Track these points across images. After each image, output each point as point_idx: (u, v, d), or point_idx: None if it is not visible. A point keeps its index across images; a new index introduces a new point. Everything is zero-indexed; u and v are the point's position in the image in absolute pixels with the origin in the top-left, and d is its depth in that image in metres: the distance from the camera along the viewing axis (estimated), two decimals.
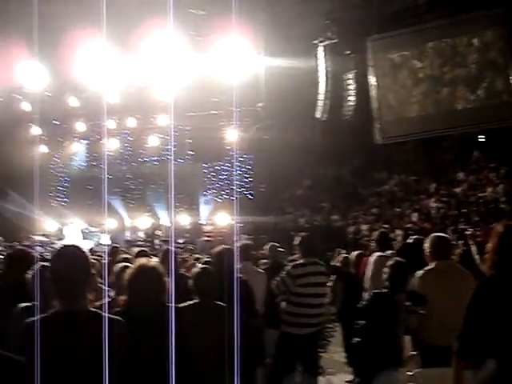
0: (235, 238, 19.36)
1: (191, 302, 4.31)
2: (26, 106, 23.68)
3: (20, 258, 4.60)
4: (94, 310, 2.91)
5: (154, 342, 3.30)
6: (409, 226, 19.27)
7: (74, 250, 2.98)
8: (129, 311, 3.38)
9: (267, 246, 7.98)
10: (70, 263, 2.89)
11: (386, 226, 19.81)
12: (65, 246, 3.09)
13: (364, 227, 20.69)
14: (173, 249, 6.79)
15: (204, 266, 4.85)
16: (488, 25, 19.85)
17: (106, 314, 2.84)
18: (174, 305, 3.44)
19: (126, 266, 4.45)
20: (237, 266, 5.14)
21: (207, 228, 23.43)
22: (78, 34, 18.89)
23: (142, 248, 7.99)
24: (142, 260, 3.80)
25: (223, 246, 5.73)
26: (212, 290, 4.39)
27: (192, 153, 24.78)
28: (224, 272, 4.72)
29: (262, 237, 21.30)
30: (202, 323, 4.07)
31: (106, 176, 22.61)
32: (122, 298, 3.65)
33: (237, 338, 3.74)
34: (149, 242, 21.74)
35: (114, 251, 8.39)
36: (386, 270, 5.15)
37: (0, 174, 22.87)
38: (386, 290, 5.09)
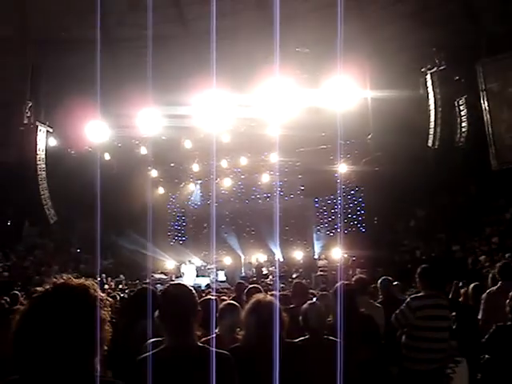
0: (349, 272, 19.28)
1: (301, 338, 4.38)
2: (143, 150, 24.97)
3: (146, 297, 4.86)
4: (202, 345, 3.02)
5: (271, 378, 3.38)
6: None
7: (180, 287, 3.15)
8: (245, 346, 3.49)
9: (380, 281, 7.91)
10: (178, 300, 3.04)
11: (506, 255, 19.01)
12: (171, 284, 3.27)
13: (483, 257, 19.88)
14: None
15: (312, 301, 4.91)
16: None
17: (214, 349, 2.92)
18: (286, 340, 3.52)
19: (230, 304, 4.56)
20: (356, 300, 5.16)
21: (321, 262, 23.39)
22: (191, 79, 19.86)
23: (255, 285, 8.12)
24: (259, 295, 3.92)
25: (341, 282, 5.77)
26: (321, 325, 4.44)
27: (303, 188, 24.98)
28: (342, 307, 4.76)
29: (377, 270, 21.03)
30: (311, 359, 4.12)
31: (214, 214, 23.24)
32: (241, 333, 3.77)
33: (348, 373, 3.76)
34: (263, 277, 22.02)
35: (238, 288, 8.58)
36: (508, 302, 5.00)
37: (123, 215, 24.09)
38: (510, 323, 4.94)
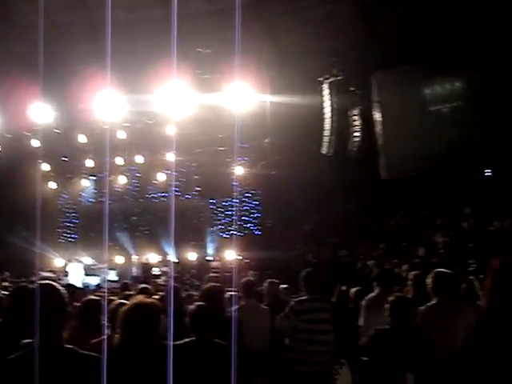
0: (242, 274, 19.38)
1: (187, 340, 4.32)
2: (35, 143, 23.95)
3: (24, 295, 4.64)
4: (69, 346, 2.93)
5: (148, 380, 3.31)
6: (416, 260, 19.19)
7: (46, 286, 3.04)
8: (122, 348, 3.39)
9: (266, 283, 7.96)
10: (43, 300, 2.94)
11: (393, 261, 19.81)
12: (40, 284, 3.15)
13: (371, 262, 20.61)
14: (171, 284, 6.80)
15: (201, 303, 4.86)
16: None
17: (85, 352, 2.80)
18: (171, 342, 3.45)
19: (122, 304, 4.46)
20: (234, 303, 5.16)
21: (214, 264, 23.39)
22: (86, 73, 19.24)
23: (145, 285, 7.98)
24: (139, 297, 3.83)
25: (213, 283, 5.77)
26: (209, 327, 4.39)
27: (199, 189, 24.93)
28: (217, 309, 4.73)
29: (268, 273, 21.28)
30: (198, 361, 4.08)
31: (107, 211, 22.73)
32: (117, 335, 3.66)
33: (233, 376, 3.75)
34: (155, 277, 21.72)
35: (122, 288, 8.41)
36: (387, 306, 5.15)
37: (9, 210, 23.02)
38: (388, 327, 5.08)
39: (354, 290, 8.33)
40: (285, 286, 9.69)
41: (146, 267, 23.47)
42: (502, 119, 20.08)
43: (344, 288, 9.66)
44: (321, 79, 21.60)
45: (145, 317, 3.52)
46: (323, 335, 6.32)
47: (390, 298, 5.18)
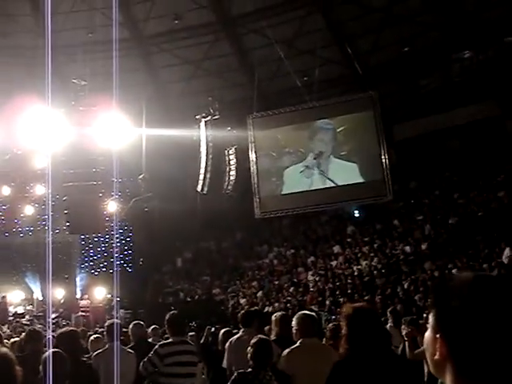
0: (112, 314, 18.78)
1: None
2: None
3: None
4: None
5: None
6: (288, 298, 19.55)
7: None
8: None
9: (131, 325, 7.71)
10: None
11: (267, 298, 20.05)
12: None
13: (243, 300, 20.74)
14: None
15: (56, 349, 4.61)
16: (360, 107, 21.19)
17: None
18: None
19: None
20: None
21: (83, 302, 22.52)
22: None
23: None
24: None
25: (68, 328, 5.53)
26: (65, 376, 4.17)
27: (68, 224, 24.02)
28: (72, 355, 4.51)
29: (141, 312, 20.81)
30: None
31: None
32: None
33: None
34: (18, 316, 20.59)
35: None
36: (249, 348, 5.13)
37: None
38: (250, 370, 5.06)
39: (222, 331, 8.27)
40: (154, 326, 9.46)
41: (5, 305, 22.09)
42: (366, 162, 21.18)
43: (213, 329, 9.59)
44: (198, 117, 21.75)
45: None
46: (187, 378, 6.21)
47: (252, 341, 5.17)
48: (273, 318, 6.42)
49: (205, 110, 21.86)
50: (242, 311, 7.39)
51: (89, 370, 5.30)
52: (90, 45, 21.71)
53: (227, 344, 6.44)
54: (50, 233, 17.97)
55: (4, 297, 21.56)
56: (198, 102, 22.45)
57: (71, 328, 5.42)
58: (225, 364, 6.34)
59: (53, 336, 5.57)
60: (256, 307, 15.93)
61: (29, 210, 23.53)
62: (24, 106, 17.79)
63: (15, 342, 6.34)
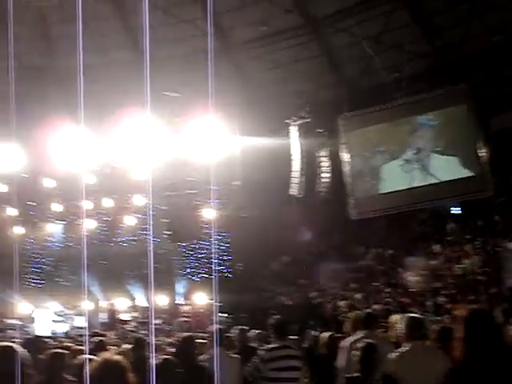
0: (213, 319, 19.13)
1: None
2: (1, 188, 23.59)
3: None
4: None
5: None
6: (388, 300, 19.19)
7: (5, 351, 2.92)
8: None
9: (236, 331, 7.80)
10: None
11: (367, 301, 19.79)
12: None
13: (342, 303, 20.54)
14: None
15: (167, 356, 4.72)
16: (453, 101, 20.56)
17: None
18: None
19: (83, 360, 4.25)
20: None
21: (185, 308, 23.06)
22: (54, 117, 19.14)
23: (101, 338, 7.69)
24: (105, 354, 3.64)
25: (188, 333, 5.63)
26: (176, 382, 4.25)
27: (169, 232, 24.73)
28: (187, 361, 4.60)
29: (239, 317, 21.04)
30: None
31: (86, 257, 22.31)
32: None
33: None
34: (123, 323, 21.35)
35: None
36: (356, 352, 5.09)
37: None
38: (357, 374, 5.02)
39: (326, 334, 8.19)
40: (257, 331, 9.52)
41: (112, 313, 23.03)
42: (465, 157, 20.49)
43: (315, 333, 9.52)
44: (288, 121, 21.81)
45: (113, 376, 3.32)
46: (292, 383, 6.20)
47: (359, 345, 5.13)
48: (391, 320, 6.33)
49: (296, 113, 21.89)
50: (358, 313, 7.24)
51: (205, 375, 5.35)
52: (181, 56, 22.23)
53: (345, 344, 6.38)
54: (152, 242, 18.50)
55: (112, 304, 22.52)
56: (289, 106, 22.51)
57: (189, 334, 5.53)
58: (341, 363, 6.28)
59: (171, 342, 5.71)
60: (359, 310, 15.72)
61: (130, 221, 24.45)
62: (122, 119, 18.46)
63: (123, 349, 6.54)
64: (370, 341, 5.31)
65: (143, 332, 17.96)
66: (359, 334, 6.39)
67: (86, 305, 23.72)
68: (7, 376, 2.80)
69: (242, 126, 21.60)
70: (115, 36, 22.74)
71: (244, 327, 8.08)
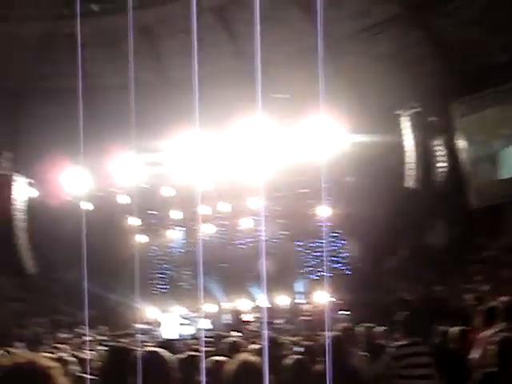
0: (335, 316, 19.10)
1: None
2: (123, 199, 24.84)
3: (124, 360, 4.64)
4: None
5: None
6: None
7: (154, 356, 2.99)
8: None
9: (361, 328, 7.73)
10: (149, 371, 2.88)
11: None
12: (146, 351, 3.09)
13: (468, 296, 19.79)
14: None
15: (299, 356, 4.71)
16: None
17: None
18: None
19: (218, 361, 4.27)
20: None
21: (305, 307, 23.15)
22: (170, 126, 19.91)
23: (235, 339, 7.81)
24: (243, 356, 3.66)
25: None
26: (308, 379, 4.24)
27: (285, 232, 24.94)
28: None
29: (363, 313, 20.83)
30: None
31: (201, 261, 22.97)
32: None
33: None
34: (246, 324, 21.72)
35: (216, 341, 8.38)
36: (493, 347, 4.90)
37: (106, 266, 23.77)
38: (494, 370, 4.83)
39: (456, 329, 7.92)
40: (380, 328, 9.39)
41: (236, 314, 23.51)
42: None
43: (444, 328, 9.24)
44: (399, 112, 21.36)
45: (249, 378, 3.37)
46: (424, 380, 6.08)
47: (497, 339, 4.94)
48: None
49: (405, 104, 21.42)
50: (492, 306, 6.97)
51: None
52: (286, 56, 22.38)
53: (480, 338, 6.19)
54: (268, 242, 18.71)
55: (235, 305, 23.06)
56: (397, 98, 22.05)
57: (336, 333, 5.51)
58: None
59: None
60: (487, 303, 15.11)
61: (247, 223, 24.92)
62: (235, 123, 18.88)
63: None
64: (509, 334, 5.10)
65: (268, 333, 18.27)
66: (496, 328, 6.16)
67: (204, 307, 24.41)
68: (155, 380, 2.92)
69: (351, 121, 21.41)
70: (221, 45, 23.28)
71: (369, 324, 7.99)
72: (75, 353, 8.03)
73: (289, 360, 4.59)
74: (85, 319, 21.72)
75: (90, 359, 6.89)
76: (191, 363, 5.05)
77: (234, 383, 3.38)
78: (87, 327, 18.24)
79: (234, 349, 5.86)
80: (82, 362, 6.26)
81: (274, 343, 5.80)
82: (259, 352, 5.90)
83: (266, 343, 5.87)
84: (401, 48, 22.93)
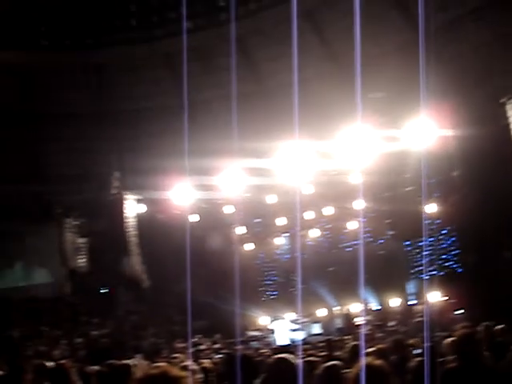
0: (448, 316, 18.55)
1: None
2: (228, 209, 25.36)
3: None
4: None
5: None
6: None
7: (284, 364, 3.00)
8: None
9: (481, 328, 7.43)
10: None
11: None
12: (277, 358, 3.10)
13: None
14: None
15: (419, 358, 4.58)
16: None
17: None
18: None
19: (335, 366, 4.20)
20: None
21: (418, 308, 22.59)
22: (269, 134, 20.12)
23: (356, 343, 7.75)
24: (367, 359, 3.59)
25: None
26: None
27: (392, 232, 24.48)
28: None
29: (478, 312, 20.09)
30: None
31: (300, 266, 23.10)
32: None
33: None
34: (356, 327, 21.51)
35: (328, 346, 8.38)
36: None
37: (213, 275, 24.29)
38: None
39: None
40: (500, 326, 9.03)
41: (348, 318, 23.31)
42: None
43: None
44: (503, 101, 20.46)
45: (374, 382, 3.32)
46: None
47: None
48: None
49: (509, 91, 20.51)
50: None
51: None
52: (380, 55, 22.06)
53: None
54: (362, 242, 18.48)
55: (346, 309, 22.93)
56: (499, 86, 21.15)
57: (466, 331, 5.33)
58: None
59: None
60: None
61: (352, 225, 24.70)
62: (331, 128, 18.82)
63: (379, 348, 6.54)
64: None
65: (380, 335, 18.02)
66: None
67: (314, 312, 24.34)
68: None
69: (451, 113, 20.77)
70: (313, 49, 23.27)
71: (489, 323, 7.69)
72: (194, 362, 8.25)
73: (412, 363, 4.49)
74: (194, 329, 22.37)
75: (211, 368, 7.05)
76: (311, 369, 5.06)
77: None
78: (189, 336, 18.70)
79: (355, 353, 5.81)
80: (204, 370, 6.43)
81: (398, 345, 5.71)
82: (380, 355, 5.82)
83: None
84: (496, 37, 22.01)
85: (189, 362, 5.83)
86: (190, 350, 18.93)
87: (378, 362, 3.48)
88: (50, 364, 7.71)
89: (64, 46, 25.10)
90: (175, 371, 2.34)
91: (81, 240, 26.01)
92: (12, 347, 17.45)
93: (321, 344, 15.67)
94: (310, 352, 9.42)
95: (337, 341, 11.05)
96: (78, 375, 6.33)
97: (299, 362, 3.07)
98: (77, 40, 25.14)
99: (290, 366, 3.04)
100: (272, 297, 28.01)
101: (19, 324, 22.16)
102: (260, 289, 28.27)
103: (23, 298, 24.26)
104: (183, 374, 2.36)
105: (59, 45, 25.10)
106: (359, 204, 23.10)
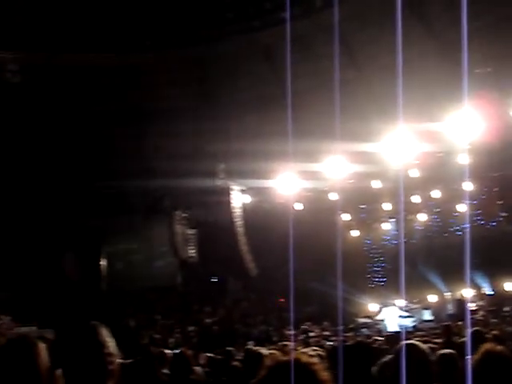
0: None
1: None
2: (333, 196, 25.23)
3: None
4: None
5: None
6: None
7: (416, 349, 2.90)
8: None
9: None
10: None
11: None
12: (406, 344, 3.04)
13: None
14: None
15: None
16: None
17: None
18: None
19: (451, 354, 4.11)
20: None
21: None
22: (371, 120, 19.80)
23: (477, 328, 7.53)
24: (487, 345, 3.49)
25: None
26: None
27: (505, 214, 23.46)
28: None
29: None
30: None
31: (403, 251, 22.62)
32: None
33: None
34: (472, 313, 20.82)
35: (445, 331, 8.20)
36: None
37: (321, 262, 24.32)
38: None
39: None
40: None
41: (461, 303, 22.59)
42: None
43: None
44: None
45: (499, 368, 3.23)
46: None
47: None
48: None
49: None
50: None
51: None
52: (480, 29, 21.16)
53: None
54: (469, 225, 17.70)
55: (459, 294, 22.27)
56: None
57: None
58: None
59: None
60: None
61: (461, 208, 23.91)
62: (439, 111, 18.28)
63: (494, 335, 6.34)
64: None
65: (494, 321, 17.37)
66: None
67: (431, 298, 23.74)
68: (418, 374, 2.91)
69: None
70: (414, 29, 22.65)
71: None
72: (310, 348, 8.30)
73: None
74: (303, 316, 22.42)
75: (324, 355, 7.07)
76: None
77: (482, 374, 3.25)
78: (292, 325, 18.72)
79: (477, 338, 5.63)
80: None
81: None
82: (498, 341, 5.65)
83: None
84: None
85: (307, 349, 5.86)
86: (300, 337, 19.11)
87: (499, 347, 3.39)
88: (168, 352, 8.06)
89: (166, 45, 25.84)
90: (306, 358, 2.39)
91: (190, 231, 26.69)
92: (129, 336, 18.28)
93: (433, 331, 15.35)
94: (425, 339, 9.24)
95: (453, 326, 10.75)
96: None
97: (428, 348, 3.02)
98: (178, 37, 25.79)
99: (420, 352, 3.00)
100: (380, 283, 27.62)
101: (134, 314, 23.17)
102: (368, 275, 27.96)
103: (140, 289, 25.23)
104: (314, 360, 2.40)
105: (161, 44, 25.88)
106: (468, 185, 22.33)
